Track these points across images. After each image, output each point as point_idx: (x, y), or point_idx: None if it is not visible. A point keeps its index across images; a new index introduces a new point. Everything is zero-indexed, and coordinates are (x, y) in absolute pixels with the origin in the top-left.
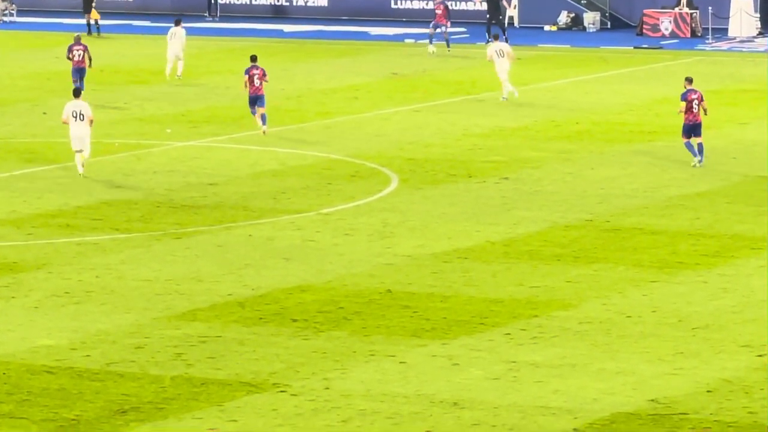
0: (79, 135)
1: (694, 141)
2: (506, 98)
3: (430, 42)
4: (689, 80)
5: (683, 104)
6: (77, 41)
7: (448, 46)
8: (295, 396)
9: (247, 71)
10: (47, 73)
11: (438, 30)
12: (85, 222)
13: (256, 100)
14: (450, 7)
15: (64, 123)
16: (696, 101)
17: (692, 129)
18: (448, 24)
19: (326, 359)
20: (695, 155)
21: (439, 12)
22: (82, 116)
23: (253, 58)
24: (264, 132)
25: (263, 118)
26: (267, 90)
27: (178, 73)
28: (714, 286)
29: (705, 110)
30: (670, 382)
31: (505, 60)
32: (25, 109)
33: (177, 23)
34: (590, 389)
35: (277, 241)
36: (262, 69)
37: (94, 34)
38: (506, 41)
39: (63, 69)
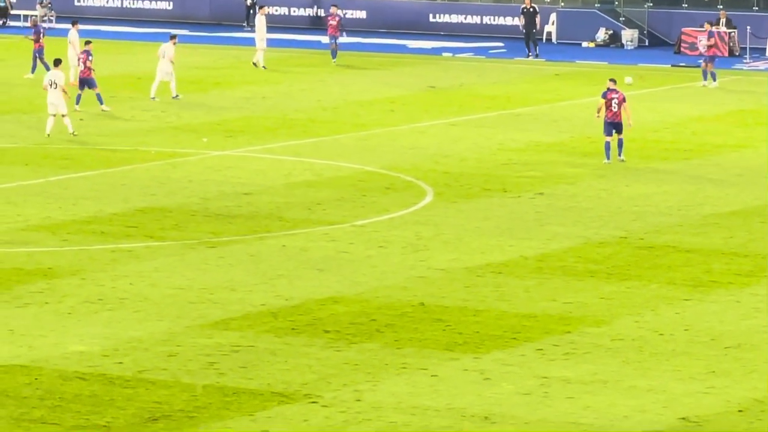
0: (53, 102)
1: (615, 138)
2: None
3: (334, 57)
4: (613, 81)
5: (602, 101)
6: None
7: (333, 57)
8: (326, 407)
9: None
10: None
11: (333, 42)
12: (120, 229)
13: (85, 82)
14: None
15: (44, 89)
16: (616, 101)
17: (612, 126)
18: (339, 35)
19: (358, 371)
20: (608, 158)
21: (333, 23)
22: (56, 85)
23: (87, 42)
24: (104, 110)
25: (99, 97)
26: (300, 100)
27: (262, 64)
28: (747, 306)
29: (627, 114)
30: (701, 400)
31: (166, 61)
32: None
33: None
34: (621, 406)
35: (311, 252)
36: (89, 52)
37: None
38: (536, 56)
39: (99, 76)
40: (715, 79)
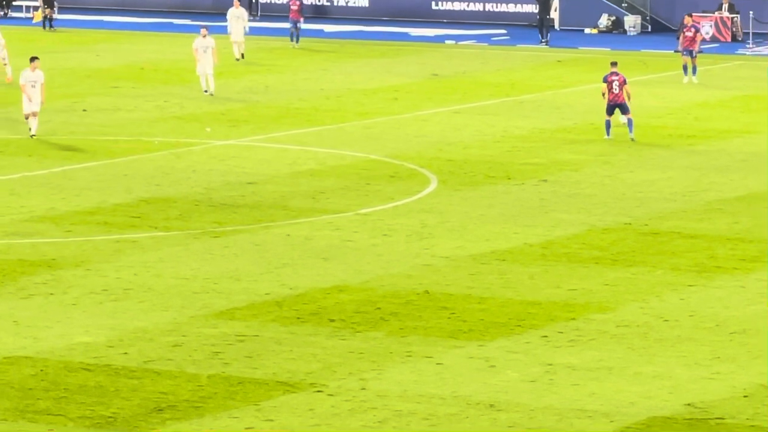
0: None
1: (623, 118)
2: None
3: (292, 40)
4: (614, 64)
5: (604, 85)
6: None
7: (296, 41)
8: (332, 396)
9: None
10: (86, 71)
11: (296, 27)
12: (124, 219)
13: None
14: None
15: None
16: (616, 83)
17: (614, 107)
18: (301, 20)
19: (363, 359)
20: (608, 134)
21: (294, 8)
22: (35, 84)
23: None
24: None
25: None
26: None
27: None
28: (752, 291)
29: (628, 94)
30: (706, 386)
31: (209, 55)
32: (64, 106)
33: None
34: (627, 393)
35: (316, 241)
36: None
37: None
38: (546, 44)
39: (102, 66)
40: (695, 73)
